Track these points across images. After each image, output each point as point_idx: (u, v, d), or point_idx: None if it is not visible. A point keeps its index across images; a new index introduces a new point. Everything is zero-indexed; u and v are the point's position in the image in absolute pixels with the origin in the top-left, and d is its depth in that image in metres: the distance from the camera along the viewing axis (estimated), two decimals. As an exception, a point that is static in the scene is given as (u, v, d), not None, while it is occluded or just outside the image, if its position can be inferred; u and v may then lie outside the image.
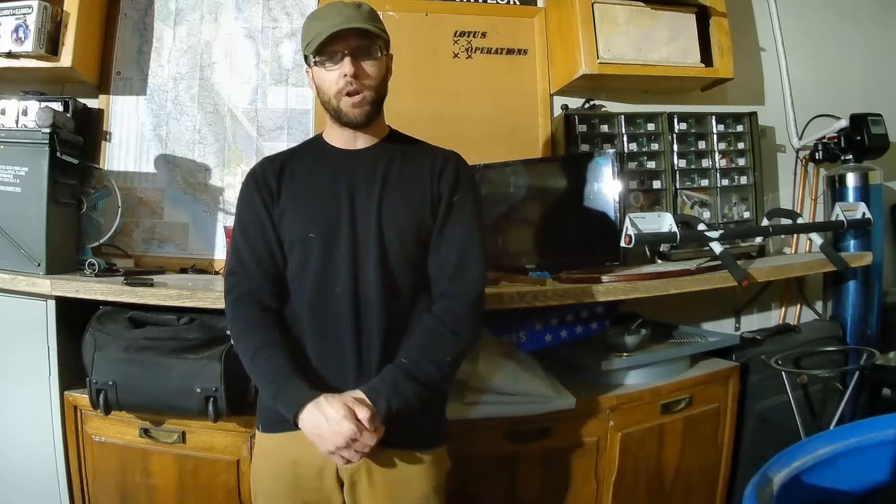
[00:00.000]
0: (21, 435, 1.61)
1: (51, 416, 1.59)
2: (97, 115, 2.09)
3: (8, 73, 1.92)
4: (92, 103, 2.09)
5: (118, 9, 2.12)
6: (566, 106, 2.25)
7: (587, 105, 2.27)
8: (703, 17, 2.21)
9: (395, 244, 1.18)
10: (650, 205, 2.19)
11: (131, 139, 2.11)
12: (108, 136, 2.10)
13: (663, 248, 2.00)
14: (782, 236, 2.43)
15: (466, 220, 1.21)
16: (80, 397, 1.57)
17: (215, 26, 2.16)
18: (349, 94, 1.16)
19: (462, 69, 2.27)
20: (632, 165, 2.19)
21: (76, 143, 1.73)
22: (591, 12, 2.09)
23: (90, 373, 1.48)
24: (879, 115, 2.22)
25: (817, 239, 2.12)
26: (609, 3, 2.11)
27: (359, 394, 1.09)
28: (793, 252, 2.49)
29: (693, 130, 2.27)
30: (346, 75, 1.14)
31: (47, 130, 1.62)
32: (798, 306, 2.44)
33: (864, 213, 2.11)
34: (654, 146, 2.22)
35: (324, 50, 1.15)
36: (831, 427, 1.89)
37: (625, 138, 2.20)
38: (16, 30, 1.82)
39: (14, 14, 1.82)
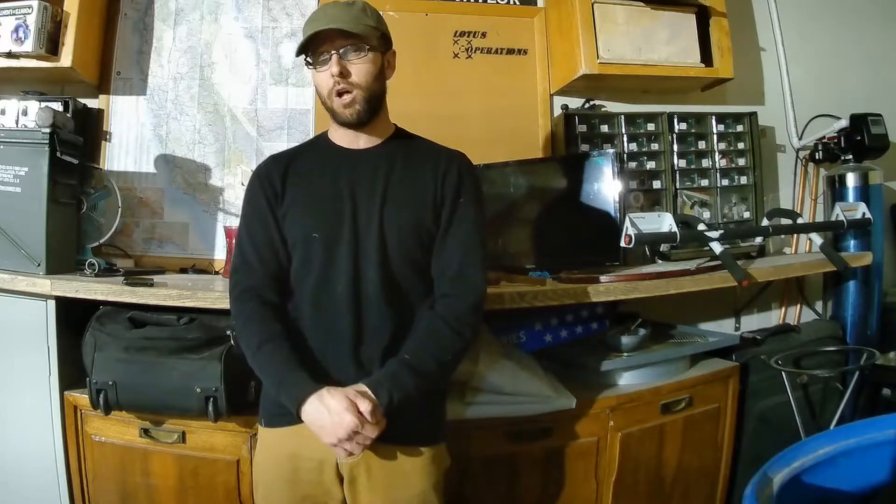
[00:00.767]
0: (21, 435, 1.61)
1: (51, 416, 1.59)
2: (97, 115, 2.09)
3: (8, 73, 1.92)
4: (92, 103, 2.09)
5: (118, 9, 2.12)
6: (566, 106, 2.25)
7: (587, 105, 2.27)
8: (703, 17, 2.22)
9: (397, 244, 1.19)
10: (650, 205, 2.19)
11: (131, 139, 2.11)
12: (108, 136, 2.09)
13: (663, 248, 2.00)
14: (782, 236, 2.43)
15: (470, 222, 1.22)
16: (81, 397, 1.56)
17: (215, 26, 2.16)
18: (339, 94, 1.17)
19: (462, 69, 2.27)
20: (632, 165, 2.19)
21: (76, 143, 1.73)
22: (591, 12, 2.09)
23: (90, 373, 1.48)
24: (879, 115, 2.22)
25: (817, 239, 2.12)
26: (609, 3, 2.11)
27: (361, 387, 1.10)
28: (793, 252, 2.48)
29: (693, 130, 2.27)
30: (333, 75, 1.15)
31: (47, 130, 1.62)
32: (798, 306, 2.44)
33: (864, 213, 2.10)
34: (654, 146, 2.22)
35: (314, 51, 1.17)
36: (831, 427, 1.89)
37: (625, 138, 2.20)
38: (16, 30, 1.82)
39: (14, 14, 1.82)
